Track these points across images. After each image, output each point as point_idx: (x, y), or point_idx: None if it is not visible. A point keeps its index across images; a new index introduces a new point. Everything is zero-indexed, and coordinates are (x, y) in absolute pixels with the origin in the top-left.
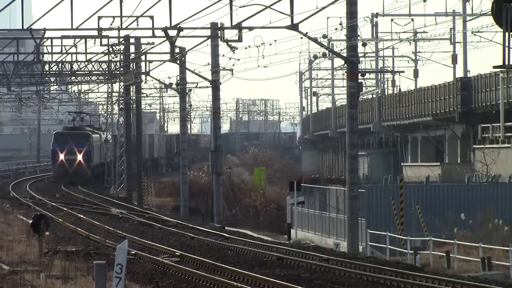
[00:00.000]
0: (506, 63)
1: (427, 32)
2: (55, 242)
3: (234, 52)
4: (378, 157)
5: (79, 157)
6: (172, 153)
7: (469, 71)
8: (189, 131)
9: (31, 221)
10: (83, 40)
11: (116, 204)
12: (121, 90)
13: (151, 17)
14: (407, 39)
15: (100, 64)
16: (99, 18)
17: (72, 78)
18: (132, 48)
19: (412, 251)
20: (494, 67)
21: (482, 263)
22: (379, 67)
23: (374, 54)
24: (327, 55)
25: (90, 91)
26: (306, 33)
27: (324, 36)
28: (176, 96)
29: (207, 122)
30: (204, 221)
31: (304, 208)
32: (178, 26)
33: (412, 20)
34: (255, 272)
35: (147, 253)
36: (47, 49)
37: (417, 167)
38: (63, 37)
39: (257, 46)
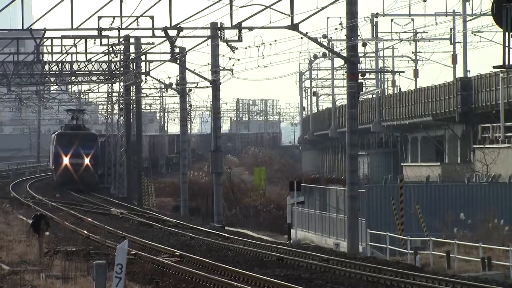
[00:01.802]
0: (506, 63)
1: (427, 32)
2: (55, 242)
3: (234, 52)
4: (378, 157)
5: (86, 160)
6: (157, 155)
7: (469, 71)
8: (189, 131)
9: (31, 221)
10: (83, 40)
11: (116, 204)
12: (121, 90)
13: (151, 17)
14: (407, 39)
15: (100, 64)
16: (99, 18)
17: (72, 78)
18: (132, 48)
19: (412, 251)
20: (494, 67)
21: (482, 263)
22: (379, 67)
23: (374, 54)
24: (327, 55)
25: (90, 91)
26: (306, 33)
27: (324, 36)
28: (176, 96)
29: (207, 122)
30: (204, 221)
31: (304, 208)
32: (178, 26)
33: (412, 20)
34: (255, 272)
35: (147, 253)
36: (47, 49)
37: (417, 167)
38: (63, 37)
39: (257, 46)
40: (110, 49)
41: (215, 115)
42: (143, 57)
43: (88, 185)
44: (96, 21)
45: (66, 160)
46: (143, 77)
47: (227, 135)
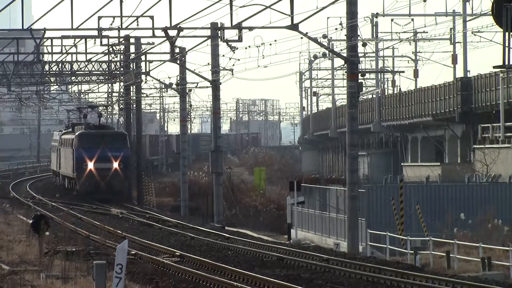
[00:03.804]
0: (506, 63)
1: (427, 32)
2: (55, 242)
3: (234, 52)
4: (378, 157)
5: (115, 165)
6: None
7: (469, 71)
8: (189, 131)
9: (31, 221)
10: (83, 40)
11: (116, 204)
12: (121, 90)
13: (151, 17)
14: (407, 39)
15: (100, 64)
16: (99, 18)
17: (72, 78)
18: (132, 48)
19: (412, 251)
20: (494, 67)
21: (482, 263)
22: (379, 67)
23: (374, 54)
24: (327, 55)
25: (90, 91)
26: (306, 33)
27: (324, 36)
28: (176, 96)
29: (207, 122)
30: (204, 221)
31: (304, 208)
32: (178, 26)
33: (412, 20)
34: (255, 272)
35: (147, 253)
36: (47, 49)
37: (417, 167)
38: (63, 37)
39: (257, 46)
40: (110, 49)
41: (215, 115)
42: (143, 57)
43: (117, 194)
44: (96, 21)
45: (90, 165)
46: (143, 77)
47: (210, 136)
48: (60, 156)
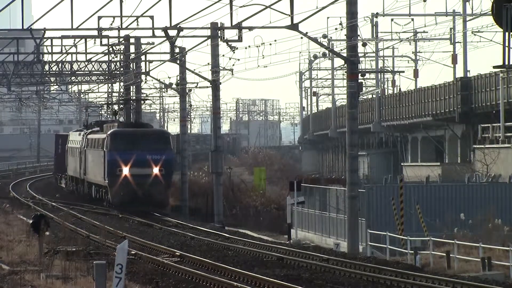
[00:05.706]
0: (506, 63)
1: (427, 32)
2: (55, 242)
3: (234, 52)
4: (378, 157)
5: (155, 170)
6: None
7: (469, 71)
8: (189, 131)
9: (31, 221)
10: (83, 40)
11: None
12: (121, 90)
13: (151, 17)
14: (407, 39)
15: (100, 64)
16: (99, 18)
17: (72, 78)
18: (132, 48)
19: (412, 251)
20: (494, 67)
21: (482, 263)
22: (379, 67)
23: (374, 54)
24: (327, 55)
25: (90, 91)
26: (306, 33)
27: (324, 36)
28: (176, 96)
29: (207, 122)
30: (204, 221)
31: (304, 208)
32: (178, 26)
33: (412, 20)
34: (255, 272)
35: (147, 253)
36: (47, 49)
37: (417, 167)
38: (63, 37)
39: (257, 46)
40: (110, 49)
41: (215, 115)
42: (143, 57)
43: (157, 204)
44: (96, 21)
45: (126, 171)
46: (143, 77)
47: (197, 137)
48: (86, 159)
